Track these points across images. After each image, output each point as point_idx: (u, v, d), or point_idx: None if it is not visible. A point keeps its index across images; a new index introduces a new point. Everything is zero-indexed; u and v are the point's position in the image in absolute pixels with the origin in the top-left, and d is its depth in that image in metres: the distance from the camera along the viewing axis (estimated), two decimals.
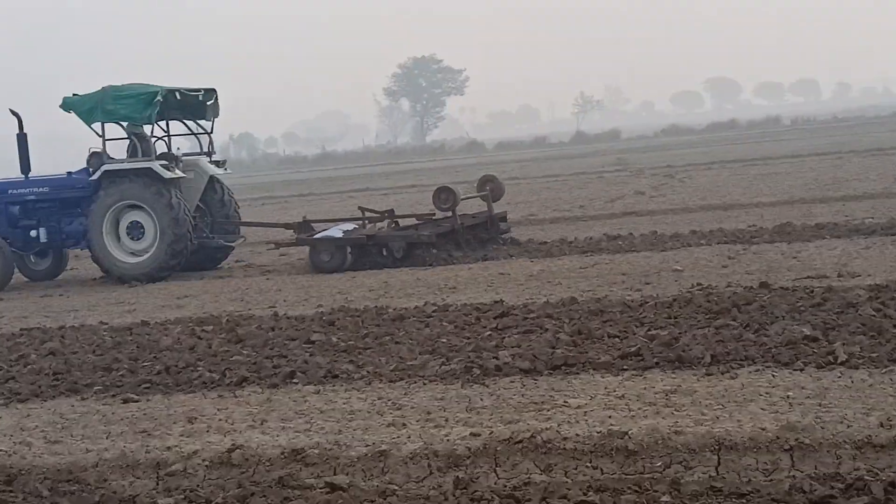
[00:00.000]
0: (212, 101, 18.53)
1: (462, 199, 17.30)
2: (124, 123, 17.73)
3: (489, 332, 9.72)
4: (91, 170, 17.68)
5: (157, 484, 6.48)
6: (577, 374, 8.05)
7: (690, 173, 31.46)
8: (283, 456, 6.62)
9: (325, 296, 13.40)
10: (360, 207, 18.67)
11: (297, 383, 8.53)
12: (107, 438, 7.37)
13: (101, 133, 17.54)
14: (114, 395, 8.65)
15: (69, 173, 18.71)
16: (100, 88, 17.64)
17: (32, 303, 15.15)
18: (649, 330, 9.22)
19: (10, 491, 6.40)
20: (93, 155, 17.78)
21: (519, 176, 38.38)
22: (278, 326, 11.05)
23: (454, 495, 5.88)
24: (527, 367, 8.24)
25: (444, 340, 9.50)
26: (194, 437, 7.22)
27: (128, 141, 17.77)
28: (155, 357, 9.93)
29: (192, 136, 19.36)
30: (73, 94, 17.77)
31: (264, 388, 8.48)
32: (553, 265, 14.41)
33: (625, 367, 8.09)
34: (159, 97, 17.24)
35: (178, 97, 18.01)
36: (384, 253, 16.45)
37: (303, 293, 13.79)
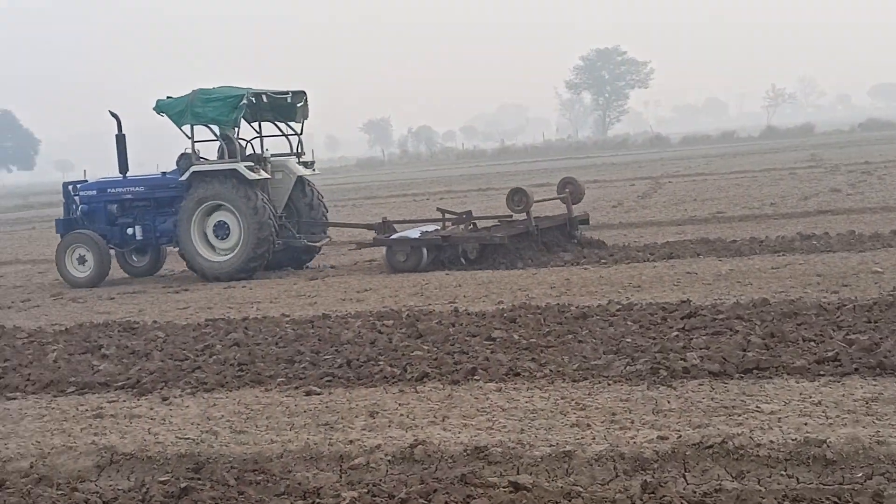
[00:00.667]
0: (301, 104, 18.83)
1: (538, 201, 17.35)
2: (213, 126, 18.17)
3: (676, 333, 9.43)
4: (181, 171, 18.14)
5: (341, 477, 6.47)
6: (770, 378, 7.72)
7: (891, 170, 30.18)
8: (465, 453, 6.53)
9: (505, 292, 13.27)
10: (438, 209, 18.82)
11: (478, 380, 8.43)
12: (290, 430, 7.40)
13: (190, 135, 18.10)
14: (296, 387, 8.71)
15: (164, 173, 19.38)
16: (190, 92, 18.08)
17: (217, 294, 15.48)
18: (847, 334, 8.79)
19: (198, 478, 6.48)
20: (182, 156, 18.25)
21: (706, 172, 37.66)
22: (459, 322, 10.97)
23: (641, 499, 5.70)
24: (716, 369, 7.95)
25: (629, 340, 9.26)
26: (376, 431, 7.19)
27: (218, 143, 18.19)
28: (336, 350, 9.97)
29: (297, 137, 19.42)
30: (167, 97, 18.25)
31: (445, 385, 8.41)
32: (743, 265, 13.96)
33: (821, 372, 7.72)
34: (244, 100, 17.62)
35: (266, 100, 18.42)
36: (460, 254, 16.66)
37: (483, 289, 13.70)
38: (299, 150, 19.22)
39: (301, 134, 19.31)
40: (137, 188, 19.10)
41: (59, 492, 6.50)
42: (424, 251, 16.65)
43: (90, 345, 11.39)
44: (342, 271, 17.08)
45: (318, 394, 8.45)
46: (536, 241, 16.88)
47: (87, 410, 8.56)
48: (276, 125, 19.32)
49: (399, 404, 7.89)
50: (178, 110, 17.89)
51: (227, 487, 6.28)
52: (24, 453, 7.39)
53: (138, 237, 18.84)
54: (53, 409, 8.76)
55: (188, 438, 7.38)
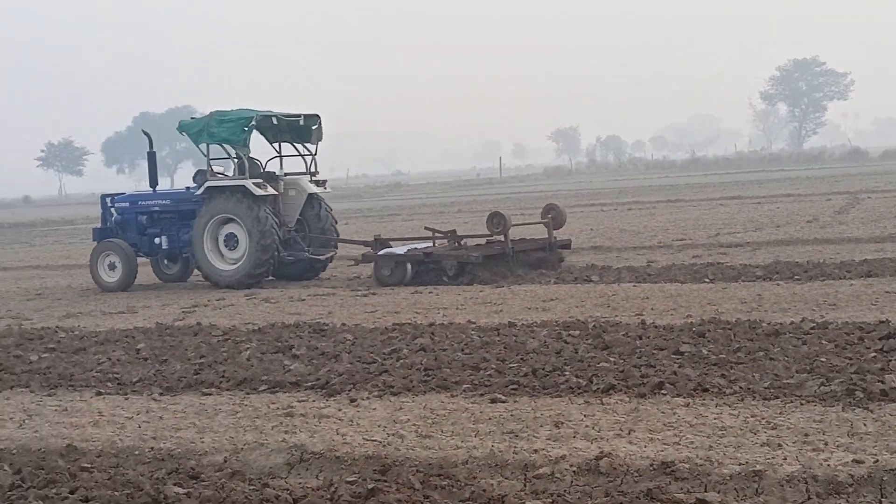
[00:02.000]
0: (315, 126, 20.11)
1: (515, 225, 18.65)
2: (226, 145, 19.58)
3: (873, 354, 9.10)
4: (197, 186, 19.62)
5: (525, 486, 6.46)
6: None
7: None
8: (651, 468, 6.45)
9: (694, 306, 13.05)
10: (426, 227, 20.01)
11: (665, 394, 8.31)
12: (475, 436, 7.44)
13: (205, 153, 19.49)
14: (482, 395, 8.75)
15: (188, 188, 20.73)
16: (208, 113, 19.57)
17: (404, 299, 15.67)
18: None
19: (385, 480, 6.57)
20: (198, 172, 20.05)
21: None
22: (646, 335, 10.84)
23: None
24: None
25: (824, 360, 8.98)
26: (561, 441, 7.16)
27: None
28: (522, 359, 9.97)
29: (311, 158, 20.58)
30: (191, 118, 19.95)
31: (632, 398, 8.31)
32: None
33: None
34: (253, 122, 19.05)
35: (276, 122, 19.74)
36: (441, 271, 17.60)
37: (671, 302, 13.50)
38: (313, 170, 20.41)
39: (315, 155, 20.53)
40: (164, 201, 20.68)
41: (251, 487, 6.69)
42: (409, 266, 17.82)
43: (282, 345, 11.70)
44: (527, 280, 17.02)
45: (503, 402, 8.47)
46: (512, 261, 17.97)
47: (278, 409, 8.79)
48: (293, 146, 20.57)
49: (584, 415, 7.84)
50: (196, 130, 19.44)
51: (413, 491, 6.35)
52: (218, 448, 7.63)
53: (164, 246, 20.33)
54: (246, 405, 9.02)
55: (375, 440, 7.49)
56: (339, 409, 8.62)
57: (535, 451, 6.93)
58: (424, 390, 9.07)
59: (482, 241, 18.99)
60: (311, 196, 20.06)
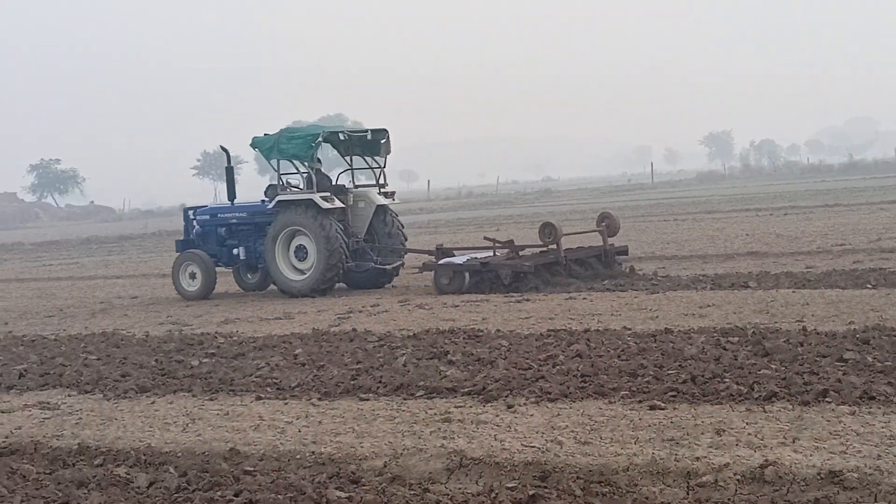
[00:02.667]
0: (384, 140, 20.90)
1: (569, 234, 19.57)
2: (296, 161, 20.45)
3: None
4: (270, 200, 20.57)
5: (688, 494, 6.34)
6: None
7: None
8: (818, 477, 6.27)
9: (856, 312, 12.65)
10: (485, 237, 21.18)
11: (830, 402, 8.07)
12: (635, 444, 7.34)
13: (276, 168, 20.44)
14: (640, 401, 8.63)
15: (263, 201, 21.35)
16: (279, 130, 20.64)
17: (558, 305, 15.57)
18: None
19: (545, 486, 6.53)
20: (269, 187, 21.11)
21: None
22: (807, 342, 10.55)
23: None
24: None
25: None
26: (723, 449, 7.01)
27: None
28: (680, 366, 9.81)
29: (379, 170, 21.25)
30: (265, 134, 20.50)
31: (795, 405, 8.10)
32: None
33: None
34: (320, 138, 19.99)
35: (343, 137, 20.88)
36: (498, 279, 18.10)
37: (832, 308, 13.12)
38: (382, 182, 21.13)
39: (384, 167, 21.25)
40: (241, 214, 21.58)
41: (412, 492, 6.72)
42: (466, 275, 18.40)
43: (437, 350, 11.74)
44: (682, 285, 16.76)
45: (663, 409, 8.34)
46: (565, 269, 18.42)
47: (435, 414, 8.82)
48: (364, 159, 21.38)
49: (746, 423, 7.67)
50: (268, 146, 20.28)
51: (574, 497, 6.30)
52: (377, 453, 7.69)
53: (241, 257, 21.26)
54: (404, 411, 9.08)
55: (533, 447, 7.45)
56: (497, 415, 8.61)
57: (697, 458, 6.81)
58: (582, 396, 8.99)
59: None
60: (380, 207, 20.80)
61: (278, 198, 20.20)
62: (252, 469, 7.47)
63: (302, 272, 20.03)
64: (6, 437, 9.17)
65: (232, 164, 22.29)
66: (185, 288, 21.06)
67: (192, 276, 21.09)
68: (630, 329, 12.42)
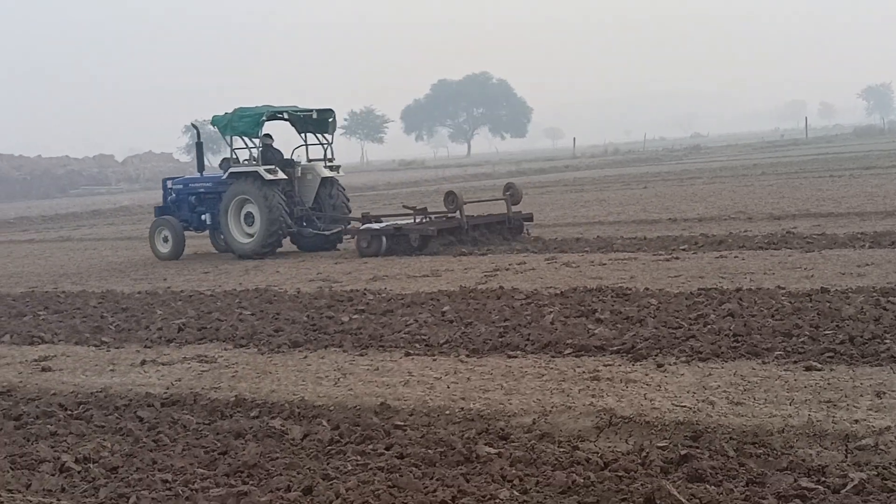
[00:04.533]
0: (331, 120, 23.42)
1: (470, 202, 21.79)
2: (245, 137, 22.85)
3: None
4: (224, 172, 23.07)
5: (846, 457, 6.16)
6: None
7: None
8: None
9: None
10: (403, 205, 24.14)
11: None
12: (790, 405, 7.18)
13: (230, 143, 22.85)
14: (795, 362, 8.44)
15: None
16: (233, 110, 22.82)
17: (708, 263, 15.28)
18: None
19: (696, 447, 6.44)
20: (223, 160, 23.57)
21: None
22: None
23: None
24: None
25: None
26: (883, 412, 6.82)
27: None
28: (837, 326, 9.55)
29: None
30: (225, 113, 22.81)
31: None
32: None
33: None
34: (264, 117, 22.47)
35: (285, 117, 23.21)
36: (409, 242, 20.10)
37: None
38: (330, 157, 23.55)
39: (331, 144, 23.66)
40: (207, 184, 23.98)
41: (561, 449, 6.70)
42: (384, 239, 20.46)
43: (584, 308, 11.67)
44: (839, 243, 16.28)
45: (819, 370, 8.13)
46: (466, 234, 20.47)
47: (584, 372, 8.77)
48: (316, 136, 23.63)
49: None
50: (223, 124, 22.67)
51: (727, 458, 6.19)
52: (526, 409, 7.69)
53: (208, 223, 23.80)
54: (552, 369, 9.05)
55: (684, 406, 7.35)
56: (646, 374, 8.52)
57: (856, 421, 6.63)
58: (734, 356, 8.83)
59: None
60: (326, 179, 23.17)
61: (230, 170, 22.75)
62: (402, 423, 7.55)
63: (249, 236, 22.45)
64: (167, 388, 9.46)
65: (201, 140, 24.97)
66: (159, 249, 23.66)
67: (165, 239, 23.67)
68: (784, 288, 12.14)
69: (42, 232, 34.02)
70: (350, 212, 23.52)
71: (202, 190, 24.04)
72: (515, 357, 9.66)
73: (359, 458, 6.83)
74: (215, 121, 22.96)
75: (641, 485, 5.81)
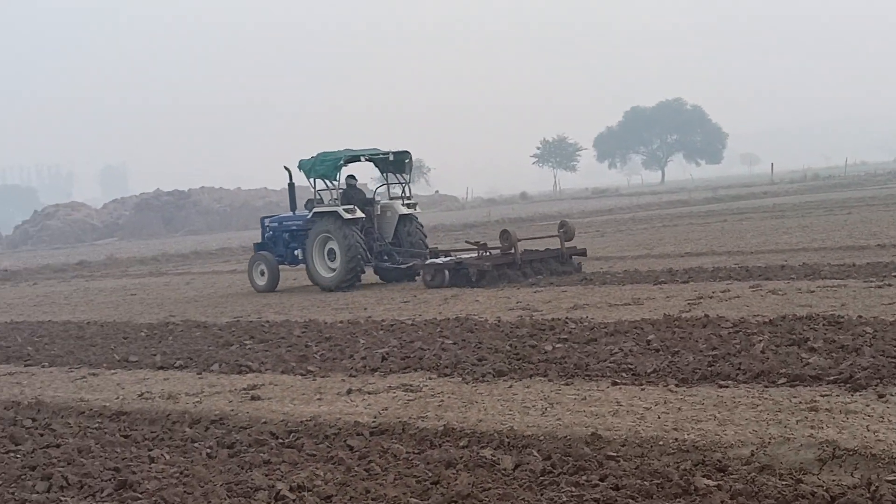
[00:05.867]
0: (407, 161, 25.29)
1: (524, 239, 23.42)
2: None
3: None
4: (309, 212, 24.96)
5: None
6: None
7: None
8: None
9: None
10: (466, 241, 27.21)
11: None
12: None
13: (313, 185, 24.91)
14: None
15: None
16: (316, 154, 24.78)
17: None
18: None
19: None
20: (308, 201, 25.28)
21: None
22: None
23: None
24: None
25: None
26: None
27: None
28: None
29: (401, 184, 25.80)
30: (311, 157, 24.68)
31: None
32: None
33: None
34: (342, 161, 24.30)
35: (363, 160, 25.13)
36: (469, 276, 21.76)
37: None
38: (407, 195, 25.58)
39: (408, 183, 25.60)
40: (299, 222, 25.87)
41: (783, 482, 6.47)
42: (446, 272, 22.18)
43: (796, 337, 11.30)
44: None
45: None
46: (520, 269, 22.02)
47: (800, 403, 8.48)
48: (395, 176, 25.60)
49: None
50: (308, 168, 24.65)
51: None
52: (743, 441, 7.47)
53: (300, 258, 25.46)
54: (766, 399, 8.79)
55: None
56: (867, 405, 8.20)
57: None
58: None
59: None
60: (403, 216, 24.98)
61: (314, 210, 24.61)
62: (615, 454, 7.43)
63: (331, 271, 24.16)
64: (375, 417, 9.57)
65: (293, 181, 26.43)
66: (257, 282, 25.75)
67: (262, 273, 25.69)
68: None
69: (242, 262, 35.06)
70: (427, 246, 25.10)
71: (294, 227, 26.13)
72: (727, 387, 9.42)
73: (573, 489, 6.75)
74: (301, 164, 24.85)
75: None
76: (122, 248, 69.73)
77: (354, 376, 11.98)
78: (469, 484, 6.96)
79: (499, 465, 7.48)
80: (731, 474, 6.74)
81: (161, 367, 14.01)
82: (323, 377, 12.16)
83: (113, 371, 14.22)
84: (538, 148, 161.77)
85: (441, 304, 18.88)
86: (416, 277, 24.04)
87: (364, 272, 24.29)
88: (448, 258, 22.99)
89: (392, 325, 15.84)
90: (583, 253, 23.37)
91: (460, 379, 11.13)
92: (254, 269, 26.00)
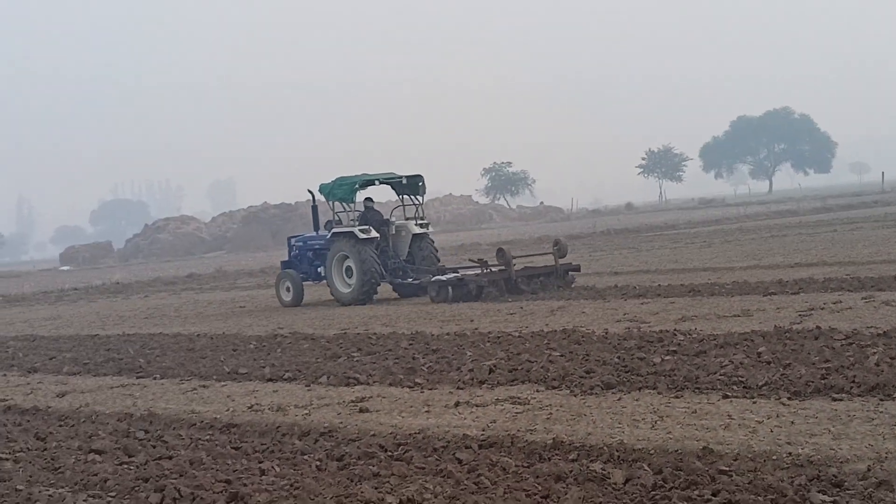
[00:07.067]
0: (420, 183, 27.09)
1: (526, 256, 27.61)
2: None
3: None
4: (328, 232, 26.98)
5: None
6: None
7: None
8: None
9: None
10: (469, 259, 30.41)
11: None
12: None
13: (332, 207, 26.73)
14: None
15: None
16: (334, 178, 26.68)
17: None
18: None
19: None
20: (328, 222, 27.25)
21: None
22: None
23: None
24: None
25: None
26: None
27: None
28: None
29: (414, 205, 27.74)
30: (330, 181, 26.58)
31: None
32: None
33: None
34: (357, 185, 26.42)
35: (377, 184, 27.39)
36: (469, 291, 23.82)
37: None
38: (420, 215, 27.56)
39: (421, 204, 27.62)
40: (322, 241, 27.79)
41: None
42: (450, 288, 23.93)
43: None
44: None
45: None
46: (514, 285, 23.91)
47: None
48: (411, 198, 27.54)
49: None
50: (327, 191, 26.57)
51: None
52: (859, 455, 7.34)
53: (323, 275, 27.36)
54: (882, 412, 8.62)
55: None
56: None
57: None
58: None
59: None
60: (416, 235, 26.94)
61: (333, 230, 26.56)
62: (727, 469, 7.33)
63: (349, 287, 26.12)
64: (483, 430, 9.57)
65: (316, 203, 28.47)
66: (283, 298, 27.67)
67: (287, 289, 27.62)
68: None
69: None
70: (438, 263, 27.04)
71: (317, 246, 28.11)
72: (841, 400, 9.26)
73: (685, 503, 6.68)
74: (322, 188, 26.74)
75: None
76: (230, 260, 71.08)
77: (462, 389, 12.00)
78: (579, 498, 6.94)
79: (609, 479, 7.44)
80: (848, 490, 6.62)
81: (270, 380, 14.19)
82: (430, 389, 12.21)
83: (223, 383, 14.44)
84: (643, 158, 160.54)
85: (547, 315, 18.82)
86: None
87: (379, 286, 26.32)
88: (452, 275, 24.87)
89: (499, 337, 15.83)
90: (576, 269, 25.27)
91: (568, 391, 11.09)
92: (280, 286, 27.98)
